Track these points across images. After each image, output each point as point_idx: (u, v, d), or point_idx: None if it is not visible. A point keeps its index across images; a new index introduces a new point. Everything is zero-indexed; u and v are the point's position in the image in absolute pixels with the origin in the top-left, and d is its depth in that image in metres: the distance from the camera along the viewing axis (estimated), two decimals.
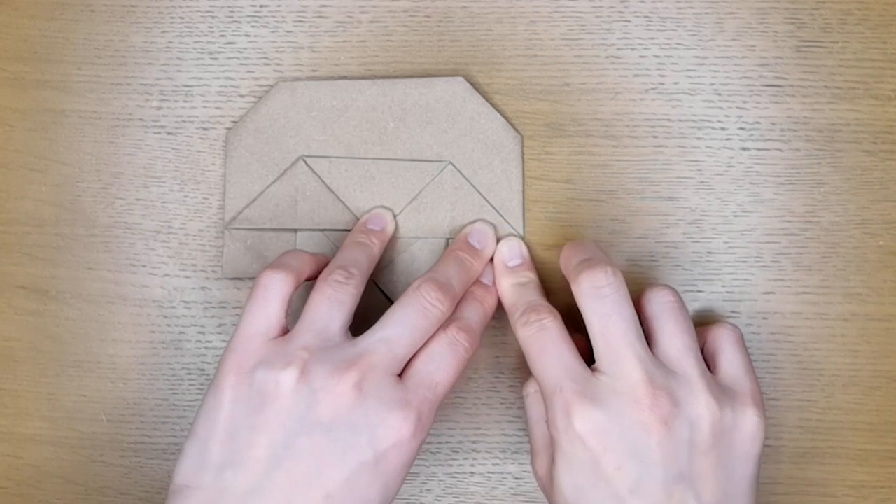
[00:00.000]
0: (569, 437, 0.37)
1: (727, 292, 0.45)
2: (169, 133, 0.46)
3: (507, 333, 0.45)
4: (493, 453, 0.45)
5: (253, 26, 0.46)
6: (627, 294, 0.38)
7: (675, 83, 0.45)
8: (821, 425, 0.45)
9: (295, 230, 0.44)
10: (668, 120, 0.45)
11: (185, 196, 0.46)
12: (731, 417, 0.38)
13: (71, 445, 0.45)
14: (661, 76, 0.45)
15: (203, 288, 0.45)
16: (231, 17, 0.46)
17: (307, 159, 0.45)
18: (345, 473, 0.35)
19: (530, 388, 0.42)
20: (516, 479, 0.45)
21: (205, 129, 0.46)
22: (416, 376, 0.38)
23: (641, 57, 0.46)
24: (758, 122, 0.45)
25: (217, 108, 0.46)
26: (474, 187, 0.44)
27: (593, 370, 0.38)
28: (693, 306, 0.45)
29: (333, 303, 0.38)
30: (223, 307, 0.45)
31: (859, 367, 0.45)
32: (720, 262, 0.45)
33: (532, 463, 0.41)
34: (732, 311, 0.45)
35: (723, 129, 0.45)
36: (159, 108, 0.46)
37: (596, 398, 0.37)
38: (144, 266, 0.45)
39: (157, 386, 0.45)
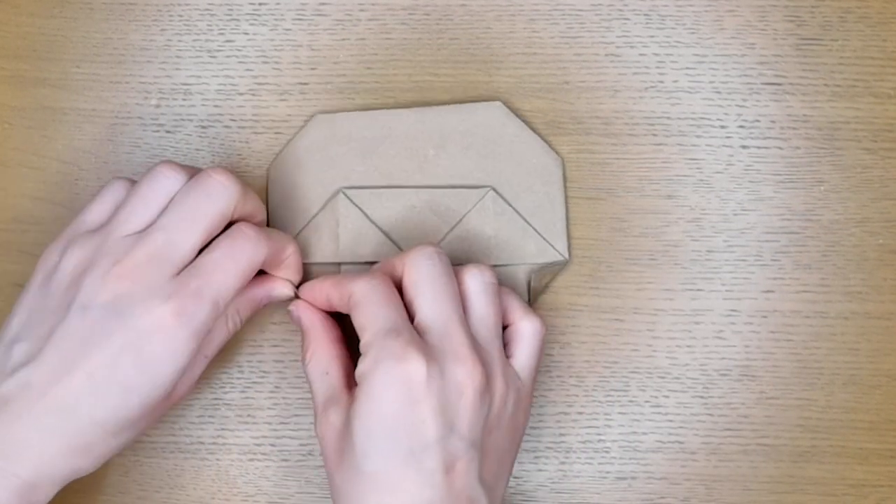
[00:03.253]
0: (389, 380, 0.36)
1: (727, 291, 0.45)
2: (168, 131, 0.46)
3: None
4: None
5: (252, 24, 0.46)
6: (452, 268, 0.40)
7: (675, 81, 0.45)
8: (820, 424, 0.44)
9: (339, 263, 0.44)
10: (668, 118, 0.45)
11: None
12: (514, 406, 0.39)
13: None
14: (661, 74, 0.45)
15: None
16: (230, 14, 0.46)
17: (347, 191, 0.44)
18: (107, 355, 0.36)
19: (309, 352, 0.41)
20: (515, 478, 0.45)
21: (203, 127, 0.46)
22: (192, 269, 0.38)
23: (641, 55, 0.45)
24: (757, 120, 0.45)
25: (216, 106, 0.46)
26: (517, 212, 0.44)
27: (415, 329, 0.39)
28: (692, 305, 0.45)
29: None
30: None
31: (859, 366, 0.45)
32: (720, 260, 0.45)
33: (318, 423, 0.39)
34: (732, 310, 0.45)
35: (722, 127, 0.45)
36: (158, 106, 0.46)
37: (426, 350, 0.37)
38: None
39: None
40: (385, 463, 0.36)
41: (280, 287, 0.42)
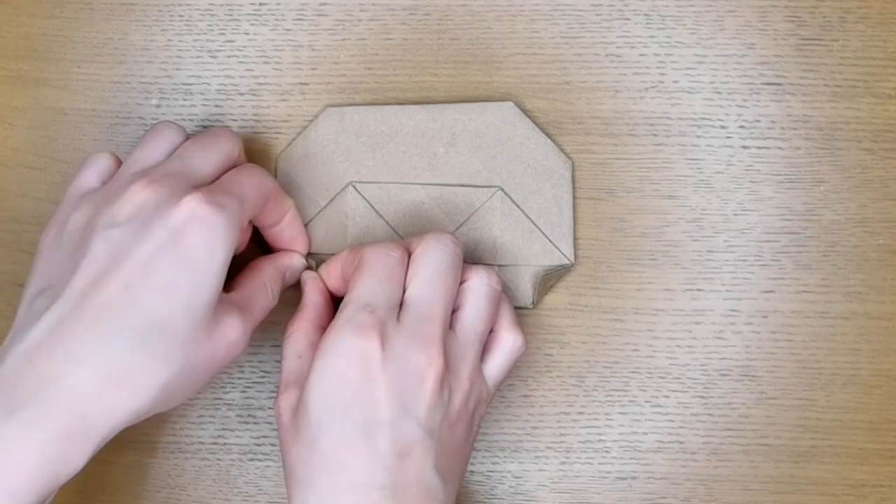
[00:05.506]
0: (349, 354, 0.37)
1: (727, 291, 0.45)
2: None
3: None
4: (492, 452, 0.45)
5: (252, 24, 0.46)
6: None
7: (675, 81, 0.45)
8: (821, 424, 0.45)
9: None
10: (668, 118, 0.45)
11: None
12: (474, 407, 0.39)
13: None
14: (661, 74, 0.45)
15: None
16: (230, 14, 0.46)
17: (357, 185, 0.44)
18: (141, 260, 0.35)
19: (293, 328, 0.41)
20: (516, 478, 0.45)
21: (204, 127, 0.46)
22: (213, 183, 0.39)
23: (641, 55, 0.46)
24: (758, 121, 0.45)
25: (216, 106, 0.46)
26: (524, 213, 0.44)
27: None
28: (693, 305, 0.45)
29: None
30: None
31: (859, 366, 0.45)
32: (720, 260, 0.45)
33: (277, 399, 0.39)
34: (732, 310, 0.45)
35: (723, 127, 0.45)
36: (158, 106, 0.46)
37: (390, 331, 0.37)
38: None
39: None
40: (339, 440, 0.36)
41: (292, 257, 0.43)
